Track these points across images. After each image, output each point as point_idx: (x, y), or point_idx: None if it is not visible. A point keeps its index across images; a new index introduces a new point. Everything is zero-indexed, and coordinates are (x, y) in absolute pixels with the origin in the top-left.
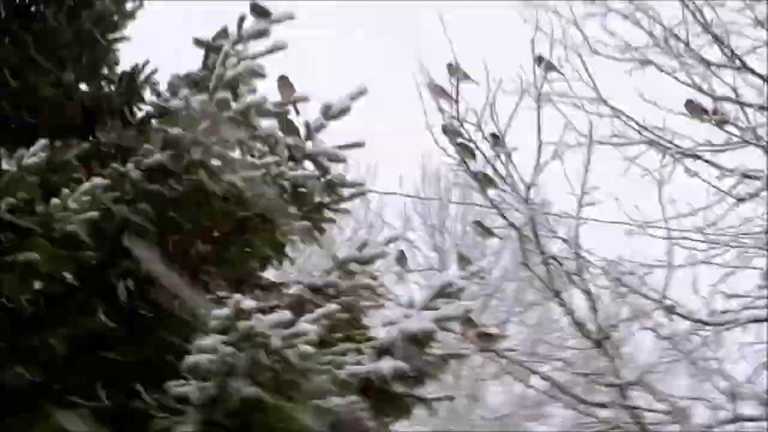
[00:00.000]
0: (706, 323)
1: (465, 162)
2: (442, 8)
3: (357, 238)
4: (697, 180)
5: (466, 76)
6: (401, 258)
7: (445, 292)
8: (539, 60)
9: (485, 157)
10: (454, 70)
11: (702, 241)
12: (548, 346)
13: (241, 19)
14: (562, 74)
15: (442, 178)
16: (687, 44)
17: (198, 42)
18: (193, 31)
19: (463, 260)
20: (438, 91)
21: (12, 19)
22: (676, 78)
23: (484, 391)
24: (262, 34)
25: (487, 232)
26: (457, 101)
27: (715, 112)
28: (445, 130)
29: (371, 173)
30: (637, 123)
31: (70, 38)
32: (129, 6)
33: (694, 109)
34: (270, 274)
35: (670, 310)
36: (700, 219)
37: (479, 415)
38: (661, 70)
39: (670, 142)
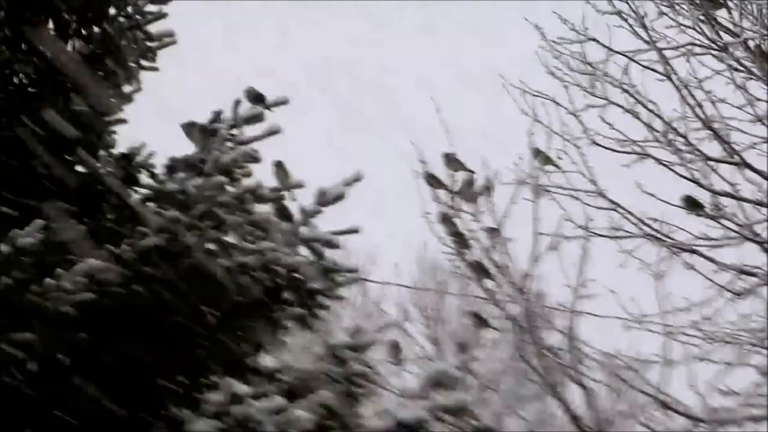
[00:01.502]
0: (701, 420)
1: (461, 252)
2: (437, 95)
3: (353, 325)
4: (694, 274)
5: (463, 166)
6: (395, 346)
7: (439, 382)
8: (536, 152)
9: (481, 248)
10: (450, 159)
11: (699, 337)
12: None
13: (237, 103)
14: (558, 168)
15: (438, 268)
16: (686, 139)
17: (192, 125)
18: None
19: (462, 348)
20: (434, 181)
21: (9, 100)
22: (674, 172)
23: None
24: (257, 119)
25: (483, 323)
26: (453, 191)
27: (714, 207)
28: (442, 219)
29: (370, 261)
30: (634, 216)
31: (68, 120)
32: (126, 89)
33: (689, 203)
34: (264, 360)
35: (666, 406)
36: (697, 314)
37: None
38: (660, 164)
39: (668, 236)
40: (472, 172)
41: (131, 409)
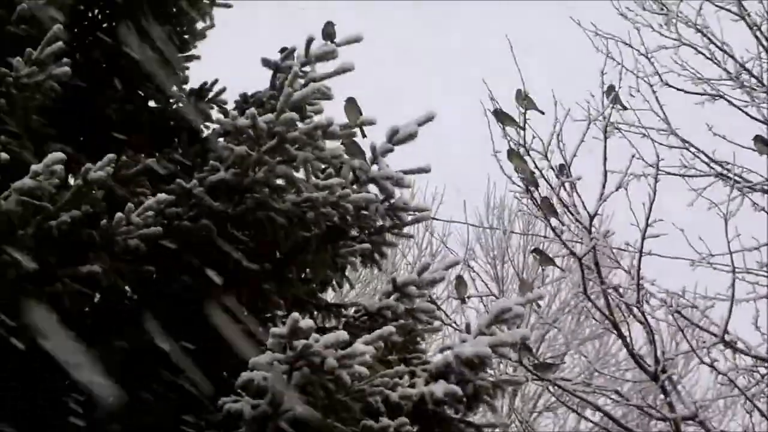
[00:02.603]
0: (766, 360)
1: (529, 189)
2: (510, 34)
3: (419, 263)
4: (764, 215)
5: (533, 105)
6: (460, 283)
7: (502, 319)
8: (609, 90)
9: (550, 186)
10: (521, 97)
11: (765, 277)
12: (605, 378)
13: (309, 41)
14: (627, 108)
15: (506, 207)
16: (759, 79)
17: (266, 62)
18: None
19: (525, 286)
20: (504, 117)
21: (83, 36)
22: (746, 113)
23: (538, 421)
24: (329, 56)
25: (547, 260)
26: (524, 128)
27: None
28: (511, 154)
29: (437, 200)
30: (705, 155)
31: (141, 56)
32: (199, 26)
33: (761, 143)
34: (329, 296)
35: (730, 346)
36: (765, 254)
37: None
38: (732, 104)
39: (739, 176)
40: (541, 111)
41: (194, 342)
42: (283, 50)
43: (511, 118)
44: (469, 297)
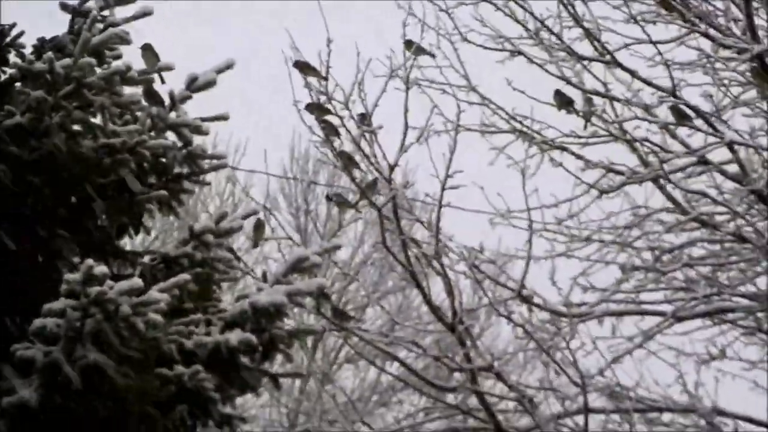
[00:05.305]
0: (562, 315)
1: (329, 140)
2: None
3: (218, 211)
4: (562, 171)
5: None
6: (258, 227)
7: (300, 267)
8: (408, 44)
9: (351, 136)
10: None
11: (563, 234)
12: (405, 331)
13: None
14: (433, 56)
15: (310, 158)
16: (558, 36)
17: (64, 6)
18: None
19: (324, 235)
20: (305, 68)
21: None
22: (545, 70)
23: (338, 373)
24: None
25: (345, 204)
26: (326, 78)
27: (585, 104)
28: (311, 106)
29: (240, 150)
30: (505, 112)
31: None
32: None
33: (560, 99)
34: (126, 243)
35: (527, 300)
36: (563, 211)
37: (331, 397)
38: (531, 61)
39: (538, 133)
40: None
41: None
42: None
43: (313, 68)
44: (266, 240)
